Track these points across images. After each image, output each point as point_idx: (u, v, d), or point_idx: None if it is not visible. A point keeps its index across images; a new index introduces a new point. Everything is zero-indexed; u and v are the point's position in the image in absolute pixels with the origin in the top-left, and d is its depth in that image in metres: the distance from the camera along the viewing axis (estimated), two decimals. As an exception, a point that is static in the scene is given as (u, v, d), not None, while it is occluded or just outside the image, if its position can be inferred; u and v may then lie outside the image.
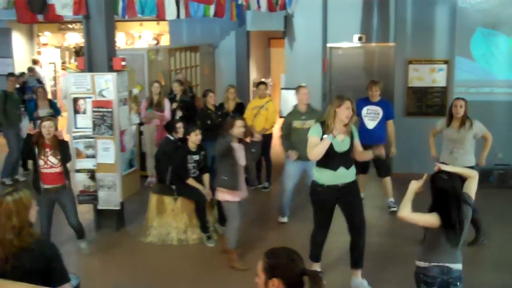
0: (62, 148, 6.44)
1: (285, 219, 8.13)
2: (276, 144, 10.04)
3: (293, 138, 7.65)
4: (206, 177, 7.33)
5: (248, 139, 9.50)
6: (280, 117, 10.40)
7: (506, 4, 9.63)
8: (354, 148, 5.83)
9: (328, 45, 10.78)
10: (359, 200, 5.95)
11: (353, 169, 5.83)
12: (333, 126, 5.53)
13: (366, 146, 7.89)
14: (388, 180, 8.41)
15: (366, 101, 8.22)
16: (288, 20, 10.48)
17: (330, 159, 5.61)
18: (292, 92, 10.14)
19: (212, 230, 7.34)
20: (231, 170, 6.35)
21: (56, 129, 6.48)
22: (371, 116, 8.16)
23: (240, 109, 9.52)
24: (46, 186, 6.46)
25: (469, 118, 7.03)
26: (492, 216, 7.95)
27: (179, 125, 7.78)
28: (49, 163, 6.39)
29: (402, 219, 4.31)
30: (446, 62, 9.95)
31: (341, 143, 5.62)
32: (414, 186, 4.42)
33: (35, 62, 15.81)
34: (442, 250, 4.28)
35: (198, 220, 7.21)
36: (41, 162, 6.38)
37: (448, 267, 4.27)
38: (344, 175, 5.71)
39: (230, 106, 9.49)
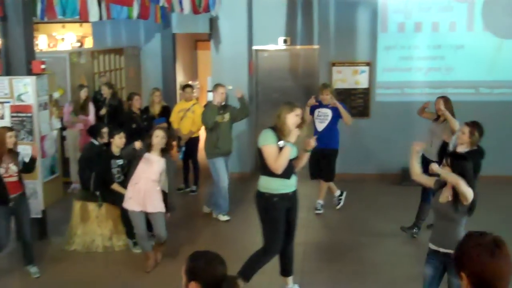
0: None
1: (227, 217, 8.23)
2: (203, 147, 10.02)
3: (218, 133, 7.92)
4: None
5: (174, 144, 9.46)
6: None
7: (424, 7, 9.99)
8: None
9: (254, 47, 10.83)
10: (297, 207, 5.85)
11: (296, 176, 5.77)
12: (288, 132, 5.40)
13: (316, 148, 8.17)
14: (327, 185, 8.53)
15: (319, 104, 8.38)
16: (213, 23, 10.47)
17: (285, 167, 5.47)
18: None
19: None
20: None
21: None
22: (321, 119, 8.32)
23: (166, 113, 9.45)
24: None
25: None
26: (408, 211, 8.27)
27: (105, 130, 7.62)
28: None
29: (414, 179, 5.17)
30: (368, 64, 10.22)
31: (292, 150, 5.53)
32: (416, 147, 5.11)
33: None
34: None
35: (124, 226, 7.09)
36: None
37: None
38: (294, 183, 5.64)
39: (156, 109, 9.40)
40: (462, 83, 10.08)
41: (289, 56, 11.07)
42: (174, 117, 9.37)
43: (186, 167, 9.67)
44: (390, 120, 10.14)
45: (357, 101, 10.21)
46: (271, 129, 5.48)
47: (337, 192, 8.66)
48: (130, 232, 7.04)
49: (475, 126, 6.34)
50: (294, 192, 5.65)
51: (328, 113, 8.29)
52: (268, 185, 5.50)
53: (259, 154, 5.54)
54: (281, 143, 5.41)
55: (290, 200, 5.61)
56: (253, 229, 7.84)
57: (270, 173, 5.45)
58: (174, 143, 9.54)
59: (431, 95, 10.09)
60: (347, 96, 10.24)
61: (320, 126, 8.30)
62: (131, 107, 9.18)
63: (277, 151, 5.38)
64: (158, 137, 6.15)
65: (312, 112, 8.34)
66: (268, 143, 5.41)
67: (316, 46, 10.64)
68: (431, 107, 7.86)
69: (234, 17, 10.35)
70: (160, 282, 6.30)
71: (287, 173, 5.49)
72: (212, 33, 10.55)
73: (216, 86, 8.15)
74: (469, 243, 2.29)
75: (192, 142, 9.41)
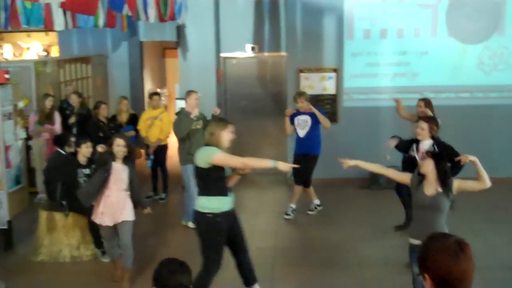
0: None
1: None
2: (171, 155, 10.00)
3: (191, 140, 7.89)
4: None
5: (142, 152, 9.41)
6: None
7: (389, 13, 10.14)
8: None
9: (222, 55, 10.86)
10: (240, 221, 5.76)
11: None
12: (224, 149, 5.35)
13: (299, 155, 8.39)
14: (299, 188, 8.56)
15: (298, 112, 8.49)
16: (180, 30, 10.47)
17: (224, 184, 5.42)
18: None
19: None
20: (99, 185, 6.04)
21: None
22: (301, 126, 8.47)
23: (133, 121, 9.40)
24: None
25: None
26: (379, 215, 8.40)
27: (72, 139, 7.54)
28: None
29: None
30: (335, 70, 10.32)
31: (227, 167, 5.47)
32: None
33: None
34: None
35: (91, 235, 7.01)
36: None
37: None
38: (232, 199, 5.55)
39: (123, 118, 9.35)
40: (427, 88, 10.23)
41: (257, 63, 11.13)
42: (142, 125, 9.32)
43: (155, 175, 9.61)
44: (357, 125, 10.25)
45: (325, 107, 10.27)
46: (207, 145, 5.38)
47: (317, 201, 8.73)
48: (98, 241, 6.96)
49: (431, 120, 6.70)
50: (233, 209, 5.56)
51: (307, 119, 8.41)
52: (210, 204, 5.36)
53: (199, 173, 5.40)
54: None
55: (231, 217, 5.51)
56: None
57: (210, 192, 5.35)
58: (142, 151, 9.52)
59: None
60: (315, 102, 10.26)
61: (302, 133, 8.46)
62: (98, 115, 9.11)
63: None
64: (120, 146, 6.02)
65: (292, 120, 8.50)
66: (216, 152, 5.28)
67: (283, 53, 10.72)
68: (413, 110, 8.07)
69: (201, 25, 10.37)
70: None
71: (225, 190, 5.41)
72: (180, 41, 10.55)
73: (189, 92, 8.10)
74: (433, 246, 2.31)
75: (161, 150, 9.38)
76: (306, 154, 8.36)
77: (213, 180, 5.34)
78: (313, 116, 8.39)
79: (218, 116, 6.02)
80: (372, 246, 7.42)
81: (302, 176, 8.40)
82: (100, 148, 6.27)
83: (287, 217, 8.52)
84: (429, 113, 7.62)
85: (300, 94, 8.64)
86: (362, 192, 9.80)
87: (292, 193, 8.70)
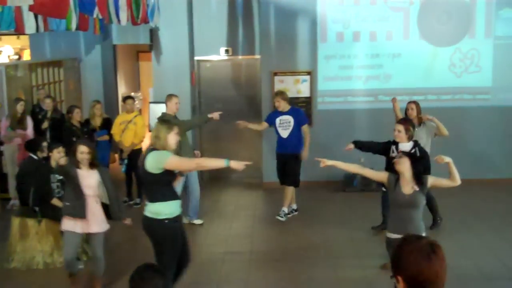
0: None
1: (200, 220, 8.40)
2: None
3: None
4: None
5: (116, 157, 9.34)
6: (150, 131, 10.31)
7: (362, 17, 10.22)
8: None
9: (196, 58, 10.84)
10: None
11: None
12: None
13: (283, 155, 8.44)
14: (290, 189, 8.56)
15: (278, 112, 8.54)
16: (154, 34, 10.42)
17: (173, 188, 5.36)
18: (161, 105, 10.13)
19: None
20: (74, 196, 5.89)
21: None
22: (284, 126, 8.49)
23: (107, 125, 9.34)
24: None
25: (421, 119, 7.85)
26: (355, 216, 8.47)
27: (45, 144, 7.45)
28: None
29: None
30: (309, 73, 10.37)
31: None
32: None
33: None
34: None
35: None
36: None
37: None
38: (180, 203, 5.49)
39: (97, 122, 9.28)
40: (399, 90, 10.31)
41: (231, 66, 11.12)
42: (115, 130, 9.25)
43: (129, 180, 9.54)
44: (332, 127, 10.29)
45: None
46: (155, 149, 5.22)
47: (294, 205, 8.77)
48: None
49: (407, 122, 6.85)
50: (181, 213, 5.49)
51: (290, 119, 8.47)
52: (165, 210, 5.22)
53: (149, 179, 5.20)
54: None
55: (181, 221, 5.49)
56: (195, 240, 7.84)
57: (163, 198, 5.21)
58: (116, 155, 9.45)
59: (371, 103, 10.40)
60: (289, 105, 10.32)
61: (284, 133, 8.49)
62: (71, 120, 9.02)
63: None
64: (83, 153, 5.86)
65: (274, 120, 8.52)
66: (169, 156, 5.13)
67: (257, 56, 10.73)
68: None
69: (174, 28, 10.33)
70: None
71: (176, 194, 5.36)
72: (153, 44, 10.49)
73: (170, 96, 8.13)
74: (406, 248, 2.33)
75: (135, 154, 9.28)
76: (291, 153, 8.42)
77: (164, 184, 5.23)
78: (295, 115, 8.46)
79: (161, 118, 5.93)
80: (348, 246, 7.46)
81: (292, 176, 8.49)
82: (62, 160, 6.17)
83: (280, 218, 8.48)
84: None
85: (277, 93, 8.72)
86: (337, 194, 9.85)
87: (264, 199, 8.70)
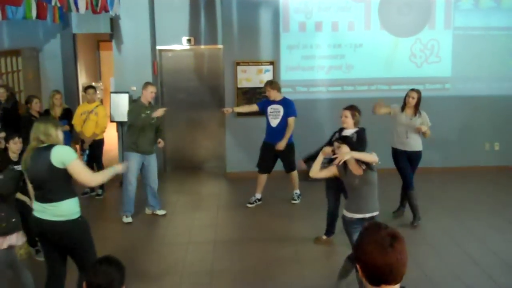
0: None
1: (130, 219, 8.15)
2: (108, 149, 9.82)
3: (139, 131, 7.96)
4: (31, 187, 6.90)
5: (77, 147, 9.19)
6: (111, 121, 10.19)
7: (324, 6, 10.26)
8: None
9: (158, 47, 10.73)
10: None
11: None
12: None
13: (271, 144, 8.54)
14: (294, 174, 8.86)
15: (270, 101, 8.64)
16: (114, 22, 10.25)
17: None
18: (123, 95, 10.04)
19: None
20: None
21: None
22: (274, 115, 8.59)
23: (67, 115, 9.19)
24: None
25: (419, 109, 7.84)
26: (318, 204, 8.51)
27: (2, 135, 7.27)
28: None
29: (313, 177, 5.91)
30: (272, 63, 10.38)
31: None
32: (325, 151, 5.83)
33: None
34: None
35: (25, 234, 6.79)
36: None
37: None
38: None
39: (57, 112, 9.13)
40: (361, 80, 10.45)
41: (194, 56, 11.05)
42: (76, 120, 9.12)
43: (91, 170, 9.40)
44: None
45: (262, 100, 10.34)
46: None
47: (258, 195, 8.88)
48: (32, 239, 6.77)
49: (353, 108, 6.88)
50: None
51: (280, 109, 8.55)
52: (76, 207, 5.00)
53: (54, 174, 4.83)
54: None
55: None
56: (158, 231, 7.80)
57: (71, 194, 4.97)
58: (77, 146, 9.31)
59: (334, 93, 10.48)
60: (252, 95, 10.35)
61: (274, 122, 8.58)
62: (30, 110, 8.83)
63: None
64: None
65: (265, 108, 8.63)
66: (75, 158, 4.89)
67: (220, 46, 10.68)
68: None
69: (135, 17, 10.20)
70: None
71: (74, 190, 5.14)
72: (114, 33, 10.34)
73: (146, 84, 8.18)
74: (365, 238, 2.35)
75: (96, 145, 9.19)
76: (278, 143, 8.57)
77: (68, 180, 4.93)
78: (284, 105, 8.55)
79: (44, 116, 5.78)
80: (311, 232, 7.51)
81: (289, 164, 8.74)
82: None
83: (294, 201, 8.95)
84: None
85: (266, 83, 8.84)
86: (300, 184, 9.89)
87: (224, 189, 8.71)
